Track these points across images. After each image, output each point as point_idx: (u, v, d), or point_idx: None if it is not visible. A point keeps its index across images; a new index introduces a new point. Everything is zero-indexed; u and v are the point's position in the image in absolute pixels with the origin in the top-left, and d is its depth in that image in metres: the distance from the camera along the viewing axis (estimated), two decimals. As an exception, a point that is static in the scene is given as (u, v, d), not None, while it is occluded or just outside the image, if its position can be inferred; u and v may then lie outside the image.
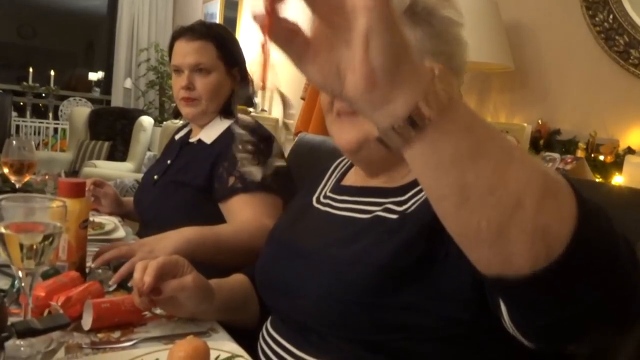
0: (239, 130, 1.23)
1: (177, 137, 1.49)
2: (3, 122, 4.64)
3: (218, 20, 4.64)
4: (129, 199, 1.55)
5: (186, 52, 1.35)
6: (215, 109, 1.37)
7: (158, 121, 4.91)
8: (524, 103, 2.06)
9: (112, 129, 4.56)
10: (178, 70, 1.36)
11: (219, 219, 1.22)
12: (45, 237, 0.76)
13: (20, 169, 1.47)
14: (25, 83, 5.63)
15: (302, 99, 2.72)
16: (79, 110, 4.89)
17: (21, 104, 5.89)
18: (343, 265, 0.67)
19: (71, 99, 5.94)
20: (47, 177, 1.59)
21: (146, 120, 4.55)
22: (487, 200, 0.39)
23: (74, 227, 0.96)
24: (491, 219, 0.39)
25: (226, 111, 1.37)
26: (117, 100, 5.75)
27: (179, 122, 2.29)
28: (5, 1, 8.11)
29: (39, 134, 5.46)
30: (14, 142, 1.46)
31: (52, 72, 5.70)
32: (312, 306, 0.69)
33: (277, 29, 0.38)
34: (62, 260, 0.96)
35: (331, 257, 0.70)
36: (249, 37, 4.07)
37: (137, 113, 4.75)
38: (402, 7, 0.67)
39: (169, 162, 1.39)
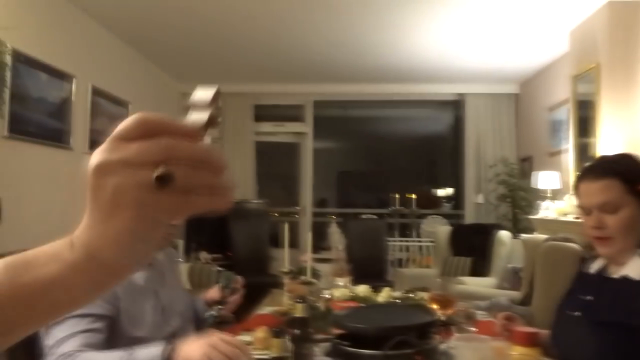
0: None
1: (590, 270, 1.46)
2: (381, 243, 5.47)
3: (571, 125, 4.51)
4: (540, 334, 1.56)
5: (591, 193, 1.35)
6: (633, 245, 1.30)
7: (513, 233, 4.91)
8: None
9: (472, 245, 4.79)
10: (586, 210, 1.38)
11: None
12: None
13: (444, 303, 1.69)
14: (392, 207, 6.55)
15: None
16: (441, 228, 5.36)
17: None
18: None
19: (429, 217, 6.57)
20: (462, 308, 1.77)
21: (504, 235, 4.63)
22: None
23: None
24: None
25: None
26: (470, 214, 6.07)
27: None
28: (365, 136, 9.86)
29: (407, 250, 6.18)
30: (439, 280, 1.70)
31: (414, 195, 6.49)
32: None
33: None
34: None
35: None
36: (611, 137, 3.80)
37: (493, 227, 4.89)
38: None
39: (588, 297, 1.37)
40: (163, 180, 0.41)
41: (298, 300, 1.34)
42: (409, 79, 5.95)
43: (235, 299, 1.53)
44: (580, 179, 1.42)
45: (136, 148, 0.43)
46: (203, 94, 0.49)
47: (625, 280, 1.30)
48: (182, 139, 0.45)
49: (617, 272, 1.34)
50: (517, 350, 0.96)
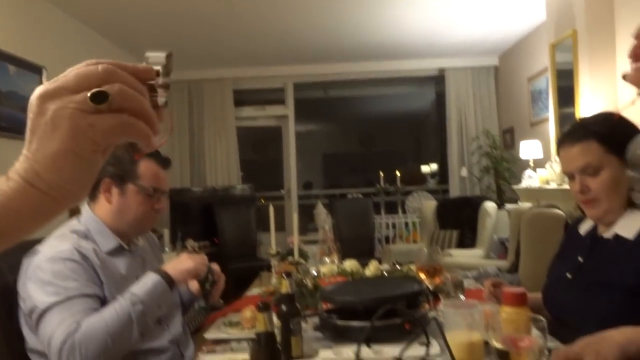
0: None
1: (581, 231, 1.46)
2: (368, 222, 5.48)
3: (551, 94, 4.52)
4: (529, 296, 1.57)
5: (571, 157, 1.34)
6: (620, 203, 1.30)
7: (498, 204, 4.95)
8: None
9: (458, 218, 4.82)
10: (569, 175, 1.37)
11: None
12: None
13: (432, 272, 1.69)
14: (378, 185, 6.57)
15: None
16: (427, 203, 5.37)
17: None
18: None
19: (414, 193, 6.59)
20: (450, 277, 1.77)
21: (490, 206, 4.66)
22: None
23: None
24: None
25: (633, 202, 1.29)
26: (455, 188, 6.10)
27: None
28: (347, 117, 9.83)
29: (394, 227, 6.21)
30: (425, 249, 1.69)
31: (398, 173, 6.50)
32: None
33: None
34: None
35: None
36: (591, 105, 3.82)
37: (478, 200, 4.92)
38: None
39: (580, 258, 1.37)
40: (97, 98, 0.43)
41: (284, 276, 1.32)
42: (389, 56, 5.91)
43: (218, 288, 1.53)
44: (560, 144, 1.41)
45: (75, 74, 0.45)
46: (156, 54, 0.50)
47: (618, 239, 1.29)
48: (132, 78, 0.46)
49: (607, 232, 1.34)
50: (506, 311, 0.96)
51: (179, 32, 4.88)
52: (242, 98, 6.45)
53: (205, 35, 5.01)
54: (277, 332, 1.26)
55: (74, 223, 1.46)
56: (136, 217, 1.45)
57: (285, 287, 1.30)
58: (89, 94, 0.43)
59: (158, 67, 0.49)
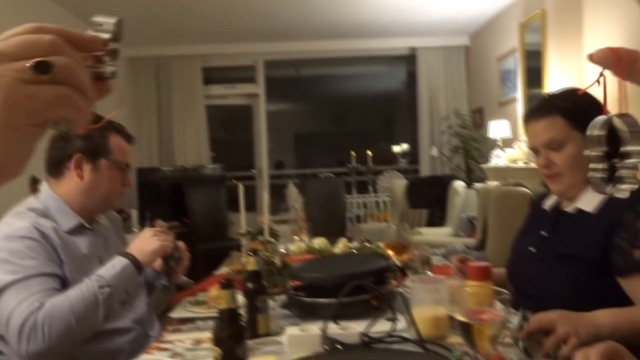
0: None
1: (544, 206, 1.48)
2: (340, 201, 5.49)
3: (519, 74, 4.58)
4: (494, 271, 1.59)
5: (536, 132, 1.35)
6: (582, 179, 1.31)
7: (467, 183, 5.02)
8: None
9: (428, 197, 4.87)
10: (535, 151, 1.38)
11: (616, 294, 1.14)
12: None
13: (400, 249, 1.70)
14: (349, 164, 6.58)
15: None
16: (398, 182, 5.41)
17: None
18: None
19: (385, 173, 6.63)
20: (418, 254, 1.78)
21: (459, 185, 4.72)
22: None
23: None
24: None
25: (597, 177, 1.30)
26: (425, 168, 6.16)
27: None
28: (319, 97, 9.77)
29: (365, 207, 6.24)
30: (393, 227, 1.70)
31: (369, 153, 6.51)
32: None
33: None
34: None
35: None
36: (559, 85, 3.87)
37: (448, 179, 4.97)
38: None
39: (543, 233, 1.39)
40: (41, 69, 0.40)
41: (249, 253, 1.30)
42: (361, 34, 5.86)
43: (182, 266, 1.51)
44: (526, 119, 1.41)
45: (17, 41, 0.41)
46: (105, 20, 0.47)
47: (580, 213, 1.30)
48: (78, 47, 0.44)
49: (570, 207, 1.36)
50: (471, 285, 0.96)
51: (146, 8, 4.72)
52: (212, 76, 6.32)
53: (172, 8, 4.86)
54: (244, 310, 1.24)
55: (31, 201, 1.40)
56: (108, 192, 1.45)
57: (252, 264, 1.28)
58: (31, 63, 0.40)
59: (106, 35, 0.46)
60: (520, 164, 4.05)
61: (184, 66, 6.07)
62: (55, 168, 1.43)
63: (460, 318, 0.81)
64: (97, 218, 1.50)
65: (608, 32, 3.45)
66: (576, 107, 1.32)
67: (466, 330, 0.80)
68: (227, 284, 0.90)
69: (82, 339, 1.26)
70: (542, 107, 1.36)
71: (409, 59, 6.50)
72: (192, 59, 6.07)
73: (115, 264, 1.31)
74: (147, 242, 1.38)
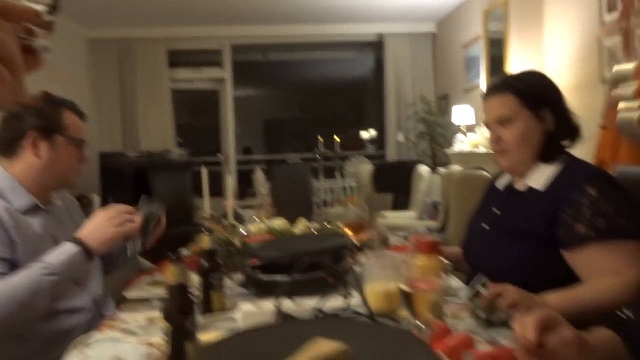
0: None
1: (498, 185, 1.52)
2: (307, 186, 5.49)
3: (483, 61, 4.65)
4: (450, 250, 1.63)
5: (490, 109, 1.40)
6: (530, 156, 1.36)
7: (432, 169, 5.10)
8: None
9: (394, 182, 4.93)
10: (488, 127, 1.42)
11: (563, 268, 1.19)
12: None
13: (359, 228, 1.72)
14: (317, 150, 6.59)
15: (603, 127, 2.49)
16: (364, 168, 5.45)
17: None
18: None
19: (353, 158, 6.67)
20: (376, 233, 1.81)
21: (424, 170, 4.79)
22: None
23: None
24: None
25: (546, 156, 1.35)
26: (392, 154, 6.22)
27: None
28: (287, 83, 9.71)
29: (332, 192, 6.27)
30: (354, 208, 1.72)
31: (337, 138, 6.53)
32: None
33: None
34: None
35: None
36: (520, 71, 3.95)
37: (413, 164, 5.04)
38: None
39: (496, 211, 1.43)
40: None
41: (204, 232, 1.30)
42: (329, 19, 5.84)
43: (160, 227, 1.47)
44: (484, 97, 1.46)
45: None
46: None
47: (530, 191, 1.35)
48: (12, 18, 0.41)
49: (521, 185, 1.40)
50: (420, 259, 0.99)
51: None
52: (177, 59, 6.21)
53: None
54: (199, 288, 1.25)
55: None
56: (66, 170, 1.42)
57: (207, 243, 1.28)
58: None
59: (41, 7, 0.43)
60: (483, 149, 4.13)
61: (148, 49, 5.94)
62: (8, 148, 1.39)
63: (404, 288, 0.83)
64: (51, 199, 1.47)
65: (568, 20, 3.54)
66: (530, 87, 1.38)
67: (408, 298, 0.83)
68: (176, 259, 0.90)
69: (27, 322, 1.23)
70: (498, 86, 1.41)
71: (377, 46, 6.52)
72: (157, 42, 5.95)
73: (65, 251, 1.26)
74: (100, 229, 1.31)
